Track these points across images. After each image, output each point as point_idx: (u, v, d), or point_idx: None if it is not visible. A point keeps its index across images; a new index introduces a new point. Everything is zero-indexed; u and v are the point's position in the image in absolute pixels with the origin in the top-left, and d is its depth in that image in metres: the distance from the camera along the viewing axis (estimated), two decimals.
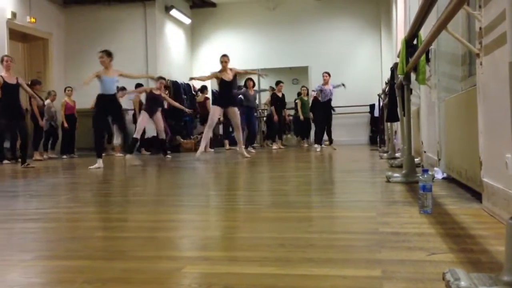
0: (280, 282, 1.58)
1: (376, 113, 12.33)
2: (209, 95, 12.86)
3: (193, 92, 13.24)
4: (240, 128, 8.57)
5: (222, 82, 8.33)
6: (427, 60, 4.51)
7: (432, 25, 2.76)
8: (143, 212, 3.21)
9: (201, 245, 2.19)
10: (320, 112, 10.50)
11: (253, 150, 10.35)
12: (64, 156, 10.48)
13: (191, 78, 9.39)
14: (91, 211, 3.36)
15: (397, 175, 4.15)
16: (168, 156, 9.14)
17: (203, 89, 12.58)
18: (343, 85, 10.86)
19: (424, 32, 3.63)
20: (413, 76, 4.33)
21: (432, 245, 1.95)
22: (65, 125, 10.41)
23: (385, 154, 7.55)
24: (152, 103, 9.06)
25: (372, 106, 13.30)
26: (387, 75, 8.35)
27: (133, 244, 2.25)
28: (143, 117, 8.92)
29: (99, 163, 6.95)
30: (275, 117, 11.54)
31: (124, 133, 7.56)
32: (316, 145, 10.39)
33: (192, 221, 2.84)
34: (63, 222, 2.94)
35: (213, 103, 8.69)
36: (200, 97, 12.64)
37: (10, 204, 3.78)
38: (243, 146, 8.65)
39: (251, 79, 11.16)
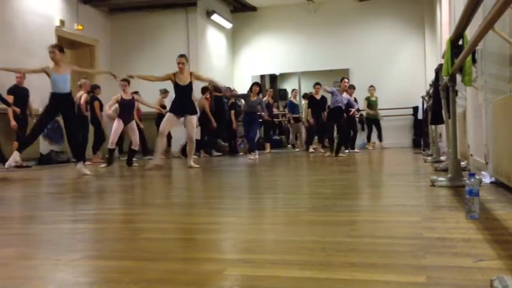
0: (321, 286, 1.57)
1: (420, 116, 12.08)
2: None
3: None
4: (193, 140, 7.69)
5: (176, 87, 7.45)
6: (473, 61, 4.39)
7: (478, 25, 2.69)
8: (185, 214, 3.26)
9: (242, 248, 2.21)
10: (332, 119, 9.81)
11: (255, 156, 9.61)
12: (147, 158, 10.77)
13: (130, 76, 7.96)
14: (134, 213, 3.43)
15: (442, 179, 4.05)
16: (135, 164, 8.51)
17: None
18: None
19: (470, 32, 3.54)
20: (458, 77, 4.22)
21: (480, 251, 1.90)
22: (141, 126, 10.51)
23: (429, 158, 7.39)
24: (125, 110, 8.36)
25: (415, 109, 13.03)
26: (431, 76, 8.16)
27: (175, 245, 2.29)
28: (117, 125, 8.27)
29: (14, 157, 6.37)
30: (311, 120, 11.35)
31: (73, 139, 6.59)
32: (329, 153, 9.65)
33: (233, 223, 2.86)
34: (108, 223, 3.02)
35: (169, 110, 7.64)
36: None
37: (59, 206, 3.91)
38: (193, 158, 7.68)
39: (257, 84, 10.24)
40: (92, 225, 2.96)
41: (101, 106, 9.74)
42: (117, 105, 8.35)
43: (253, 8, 14.49)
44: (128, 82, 8.50)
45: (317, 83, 11.40)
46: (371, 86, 12.77)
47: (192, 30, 12.57)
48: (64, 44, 11.24)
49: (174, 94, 7.59)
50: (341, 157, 9.21)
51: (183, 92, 7.40)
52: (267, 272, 1.74)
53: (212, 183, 5.58)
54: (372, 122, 12.69)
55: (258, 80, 15.87)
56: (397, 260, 1.85)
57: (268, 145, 12.64)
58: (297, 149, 12.96)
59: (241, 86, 13.65)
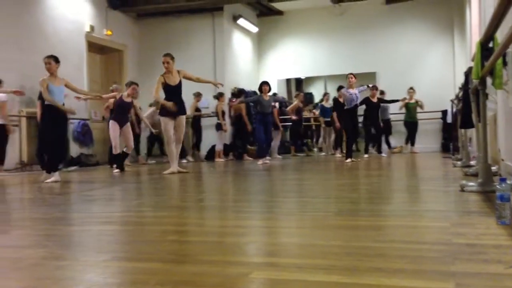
0: None
1: (449, 119, 11.87)
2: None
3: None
4: (181, 141, 7.34)
5: (167, 87, 7.10)
6: (504, 63, 4.29)
7: (509, 27, 2.63)
8: (211, 217, 3.28)
9: (268, 251, 2.21)
10: (347, 120, 9.50)
11: (266, 161, 9.38)
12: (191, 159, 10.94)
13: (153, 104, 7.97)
14: (162, 215, 3.47)
15: (472, 184, 3.97)
16: (116, 171, 8.00)
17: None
18: (368, 86, 10.28)
19: (501, 35, 3.47)
20: (489, 80, 4.14)
21: (510, 258, 1.85)
22: (153, 131, 10.67)
23: (458, 162, 7.25)
24: (120, 111, 8.17)
25: (444, 112, 12.82)
26: (460, 79, 8.03)
27: (202, 248, 2.30)
28: (114, 128, 8.05)
29: (56, 176, 6.33)
30: (337, 124, 11.23)
31: (53, 148, 6.50)
32: (348, 160, 9.07)
33: (259, 227, 2.86)
34: (136, 226, 3.06)
35: (161, 114, 7.21)
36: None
37: (87, 208, 3.98)
38: (178, 162, 7.32)
39: (266, 83, 9.70)
40: (120, 227, 3.00)
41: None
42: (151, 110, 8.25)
43: (279, 12, 14.51)
44: (137, 84, 8.60)
45: (341, 87, 11.18)
46: (411, 88, 12.48)
47: (219, 35, 12.66)
48: (93, 49, 11.50)
49: (164, 96, 7.18)
50: (353, 162, 8.82)
51: (174, 92, 7.11)
52: (293, 276, 1.73)
53: (238, 186, 5.59)
54: (411, 125, 12.45)
55: (284, 84, 15.91)
56: (425, 266, 1.82)
57: (293, 148, 12.65)
58: (323, 153, 12.91)
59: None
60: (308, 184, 5.64)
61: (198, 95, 11.47)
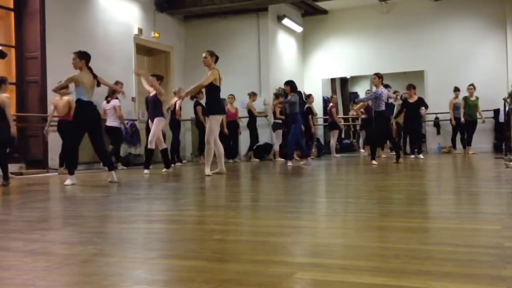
0: None
1: (502, 119, 11.42)
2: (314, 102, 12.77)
3: (304, 99, 13.29)
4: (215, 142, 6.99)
5: (217, 87, 6.84)
6: None
7: None
8: (255, 217, 3.30)
9: (313, 252, 2.20)
10: (378, 123, 8.94)
11: (289, 164, 8.88)
12: (230, 161, 11.15)
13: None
14: (206, 214, 3.52)
15: None
16: (164, 170, 7.87)
17: (308, 97, 12.49)
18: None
19: None
20: None
21: None
22: (226, 131, 10.75)
23: (511, 163, 6.98)
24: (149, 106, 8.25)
25: (496, 111, 12.34)
26: None
27: (246, 247, 2.32)
28: (159, 123, 7.87)
29: (72, 179, 5.99)
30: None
31: (101, 150, 6.35)
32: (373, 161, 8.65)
33: (303, 227, 2.85)
34: (182, 224, 3.11)
35: (211, 113, 6.89)
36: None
37: (136, 206, 4.08)
38: (230, 161, 7.03)
39: (287, 83, 9.29)
40: (167, 226, 3.06)
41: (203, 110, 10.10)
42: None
43: (324, 12, 14.40)
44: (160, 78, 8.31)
45: (411, 85, 10.62)
46: (471, 85, 11.79)
47: (263, 35, 12.70)
48: (141, 52, 11.78)
49: (209, 94, 6.97)
50: (373, 164, 8.33)
51: (218, 91, 6.93)
52: (338, 277, 1.72)
53: (282, 186, 5.59)
54: (469, 124, 11.80)
55: (329, 84, 15.77)
56: (475, 270, 1.76)
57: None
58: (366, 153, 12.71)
59: (312, 89, 13.62)
60: (352, 184, 5.57)
61: (253, 95, 11.62)
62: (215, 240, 2.50)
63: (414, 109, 10.54)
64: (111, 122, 9.35)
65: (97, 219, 3.38)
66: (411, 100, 10.56)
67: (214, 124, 6.90)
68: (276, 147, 11.43)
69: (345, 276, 1.73)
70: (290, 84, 9.19)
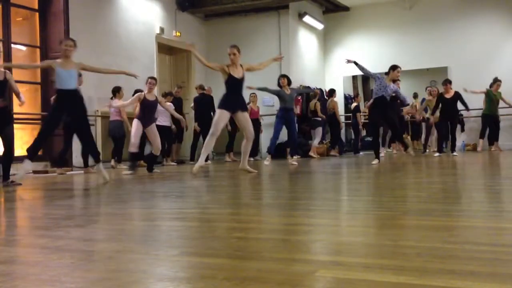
0: None
1: None
2: (337, 98, 12.78)
3: (325, 97, 13.24)
4: (252, 137, 6.96)
5: (230, 79, 6.66)
6: None
7: None
8: (276, 215, 3.30)
9: (334, 250, 2.19)
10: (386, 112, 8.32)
11: (295, 162, 8.74)
12: (251, 159, 11.24)
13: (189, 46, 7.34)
14: (228, 212, 3.53)
15: None
16: (157, 170, 7.93)
17: (332, 92, 12.51)
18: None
19: None
20: None
21: None
22: (229, 127, 10.87)
23: None
24: (146, 111, 7.69)
25: None
26: None
27: (268, 245, 2.32)
28: (138, 126, 7.60)
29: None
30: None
31: (85, 140, 6.24)
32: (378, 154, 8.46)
33: (325, 225, 2.84)
34: (203, 222, 3.13)
35: (219, 107, 6.76)
36: (329, 101, 12.54)
37: (159, 204, 4.13)
38: (251, 159, 6.76)
39: (285, 76, 9.21)
40: (188, 223, 3.08)
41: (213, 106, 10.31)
42: (138, 104, 7.78)
43: (345, 8, 14.31)
44: (155, 79, 8.01)
45: (447, 80, 10.44)
46: (497, 78, 11.46)
47: (284, 32, 12.68)
48: (163, 50, 11.88)
49: (226, 89, 6.78)
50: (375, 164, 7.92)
51: (237, 86, 6.71)
52: (360, 276, 1.71)
53: (305, 184, 5.58)
54: (491, 119, 11.55)
55: (350, 81, 15.67)
56: (501, 269, 1.73)
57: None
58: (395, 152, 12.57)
59: (333, 87, 13.54)
60: (374, 182, 5.53)
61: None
62: (236, 237, 2.51)
63: (451, 105, 10.27)
64: (163, 121, 9.66)
65: (120, 217, 3.43)
66: (448, 96, 10.28)
67: (217, 117, 6.77)
68: (315, 144, 11.64)
69: (367, 275, 1.72)
70: (287, 77, 9.32)
